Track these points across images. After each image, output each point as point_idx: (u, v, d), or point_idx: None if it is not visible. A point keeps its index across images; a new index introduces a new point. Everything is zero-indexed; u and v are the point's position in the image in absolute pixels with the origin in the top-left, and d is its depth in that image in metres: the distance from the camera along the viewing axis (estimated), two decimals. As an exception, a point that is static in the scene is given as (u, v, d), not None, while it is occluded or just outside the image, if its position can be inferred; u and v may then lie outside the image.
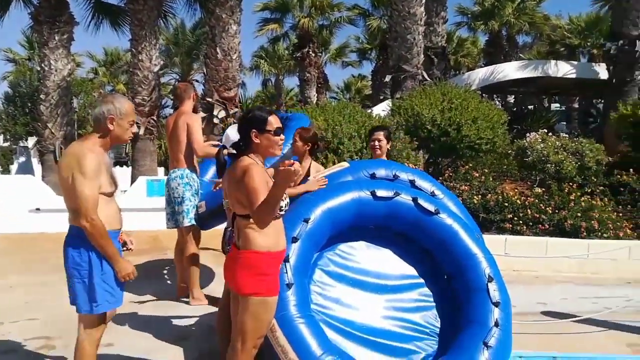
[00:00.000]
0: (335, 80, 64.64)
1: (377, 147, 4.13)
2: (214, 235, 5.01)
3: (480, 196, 7.76)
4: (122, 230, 2.83)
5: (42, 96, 12.69)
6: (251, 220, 2.41)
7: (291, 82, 35.99)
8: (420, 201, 3.30)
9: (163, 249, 7.20)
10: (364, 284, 3.33)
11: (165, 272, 6.15)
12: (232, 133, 3.38)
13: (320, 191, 3.33)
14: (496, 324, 3.06)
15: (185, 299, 4.85)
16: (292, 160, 2.23)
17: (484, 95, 11.93)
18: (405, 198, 3.30)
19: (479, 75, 16.57)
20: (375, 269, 3.40)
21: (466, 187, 7.92)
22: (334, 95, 35.36)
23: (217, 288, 4.92)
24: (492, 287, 3.18)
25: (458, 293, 3.32)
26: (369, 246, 3.49)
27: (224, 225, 3.78)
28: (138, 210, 9.33)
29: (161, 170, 16.36)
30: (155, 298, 4.98)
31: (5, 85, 30.79)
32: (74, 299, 2.68)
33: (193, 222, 4.62)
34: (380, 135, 4.15)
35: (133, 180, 11.73)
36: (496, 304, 3.12)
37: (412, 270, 3.47)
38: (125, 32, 14.44)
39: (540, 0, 22.56)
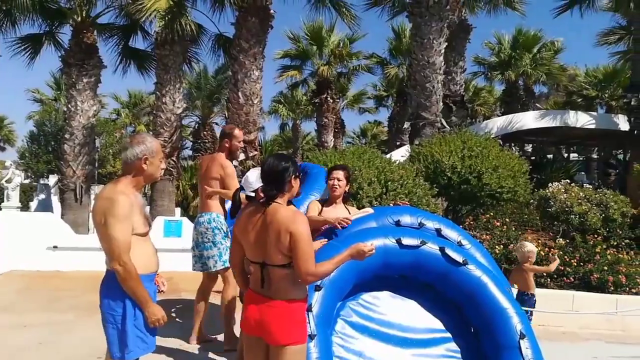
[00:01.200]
0: (352, 125, 65.47)
1: (336, 186, 3.84)
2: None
3: (502, 246, 7.58)
4: (157, 272, 2.80)
5: (66, 135, 13.01)
6: (290, 270, 2.42)
7: (308, 127, 36.52)
8: (448, 251, 3.22)
9: (178, 291, 7.11)
10: (388, 336, 3.22)
11: (182, 313, 6.04)
12: (252, 176, 3.37)
13: (345, 238, 3.26)
14: None
15: (205, 342, 4.75)
16: (373, 244, 2.59)
17: (504, 144, 11.89)
18: (432, 247, 3.22)
19: (497, 123, 16.59)
20: (400, 321, 3.29)
21: (487, 237, 7.76)
22: (350, 140, 35.75)
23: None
24: (525, 345, 3.02)
25: (487, 350, 3.18)
26: (394, 296, 3.38)
27: None
28: (154, 251, 9.33)
29: (178, 210, 16.43)
30: (179, 343, 4.87)
31: (31, 125, 31.71)
32: (108, 345, 2.65)
33: (227, 264, 4.52)
34: (340, 174, 3.86)
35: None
36: None
37: (438, 324, 3.35)
38: (151, 75, 14.92)
39: (557, 52, 22.85)
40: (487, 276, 3.23)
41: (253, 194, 3.31)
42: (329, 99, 21.93)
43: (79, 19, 12.87)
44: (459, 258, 3.21)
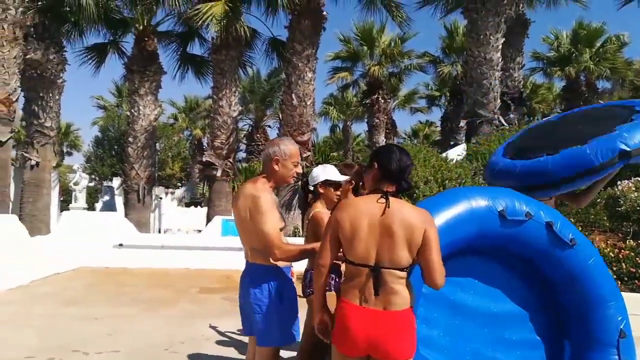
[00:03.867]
0: (403, 126, 64.53)
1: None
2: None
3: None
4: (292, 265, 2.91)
5: (130, 139, 13.64)
6: (405, 273, 2.16)
7: (358, 128, 36.50)
8: (556, 228, 2.79)
9: (236, 289, 7.27)
10: (470, 314, 2.91)
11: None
12: (317, 170, 3.41)
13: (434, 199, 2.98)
14: None
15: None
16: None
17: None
18: (538, 221, 2.80)
19: (558, 121, 15.92)
20: (482, 300, 2.95)
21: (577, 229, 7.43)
22: (401, 140, 35.29)
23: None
24: (623, 344, 2.74)
25: (575, 342, 2.90)
26: (480, 274, 3.00)
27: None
28: (212, 249, 9.60)
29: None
30: (235, 334, 4.99)
31: (95, 130, 33.47)
32: (253, 331, 2.75)
33: None
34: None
35: (208, 220, 12.12)
36: None
37: (522, 306, 3.01)
38: (207, 80, 15.40)
39: (621, 46, 21.66)
40: (595, 260, 2.87)
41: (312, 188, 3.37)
42: (380, 99, 21.76)
43: (141, 27, 13.50)
44: (567, 235, 2.80)
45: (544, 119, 5.14)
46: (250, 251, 2.72)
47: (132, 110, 13.67)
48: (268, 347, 2.71)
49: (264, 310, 2.66)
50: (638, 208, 7.97)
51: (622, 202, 8.22)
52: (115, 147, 27.37)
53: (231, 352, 4.52)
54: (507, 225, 2.76)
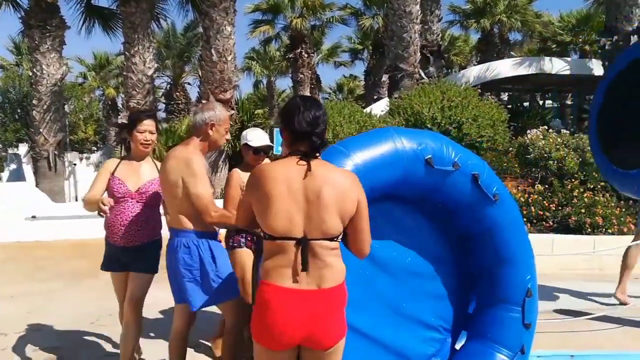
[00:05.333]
0: (328, 81, 64.41)
1: (147, 142, 3.08)
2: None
3: (483, 194, 7.70)
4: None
5: (34, 102, 12.51)
6: (337, 243, 1.90)
7: (283, 84, 36.00)
8: (481, 180, 2.64)
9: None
10: (383, 264, 2.79)
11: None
12: (252, 135, 3.42)
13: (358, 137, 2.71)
14: (522, 351, 2.77)
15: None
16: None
17: (483, 93, 11.92)
18: (464, 173, 2.65)
19: (473, 73, 16.58)
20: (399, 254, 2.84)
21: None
22: (326, 96, 35.33)
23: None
24: (529, 304, 2.78)
25: (484, 299, 2.93)
26: (395, 222, 2.87)
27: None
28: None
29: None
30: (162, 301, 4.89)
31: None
32: (184, 298, 2.74)
33: None
34: (152, 126, 3.08)
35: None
36: (527, 326, 2.80)
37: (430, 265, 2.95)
38: (117, 35, 14.31)
39: (531, -1, 22.68)
40: (513, 217, 2.80)
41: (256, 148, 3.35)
42: (303, 53, 21.47)
43: (36, -24, 12.13)
44: (492, 190, 2.67)
45: (599, 97, 4.61)
46: (178, 217, 2.68)
47: (35, 70, 12.45)
48: (225, 302, 2.77)
49: (195, 275, 2.67)
50: (545, 155, 8.59)
51: (531, 150, 8.82)
52: (19, 110, 25.04)
53: (161, 321, 4.44)
54: (433, 174, 2.59)
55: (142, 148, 3.07)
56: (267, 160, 3.45)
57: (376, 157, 2.47)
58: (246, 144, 3.40)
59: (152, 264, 3.08)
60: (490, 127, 8.79)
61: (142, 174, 3.07)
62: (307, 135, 1.91)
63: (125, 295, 3.07)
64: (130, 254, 3.03)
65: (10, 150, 23.67)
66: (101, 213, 2.76)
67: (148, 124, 3.06)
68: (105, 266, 3.21)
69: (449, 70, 24.06)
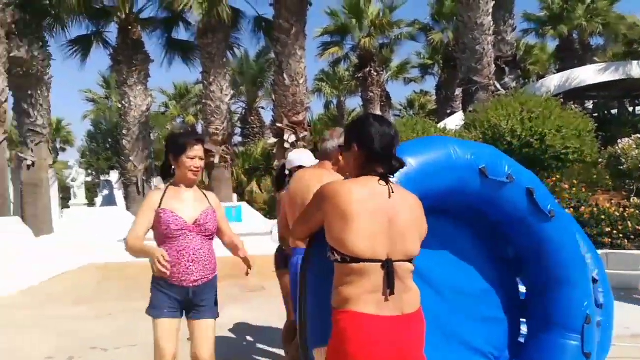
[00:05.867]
0: (398, 97, 64.09)
1: (197, 169, 2.76)
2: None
3: (572, 209, 7.24)
4: None
5: (124, 131, 13.50)
6: (413, 266, 1.85)
7: (353, 103, 36.21)
8: (537, 195, 2.52)
9: (242, 275, 7.29)
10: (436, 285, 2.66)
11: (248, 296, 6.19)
12: (294, 156, 3.57)
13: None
14: None
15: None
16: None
17: (566, 102, 11.30)
18: (519, 186, 2.54)
19: (554, 82, 15.77)
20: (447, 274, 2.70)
21: (556, 201, 7.42)
22: (397, 112, 35.07)
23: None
24: (588, 332, 2.58)
25: (538, 323, 2.73)
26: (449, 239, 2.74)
27: None
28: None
29: (235, 196, 16.80)
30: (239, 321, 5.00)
31: (87, 124, 33.15)
32: None
33: None
34: (202, 151, 2.79)
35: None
36: (587, 355, 2.57)
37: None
38: (196, 65, 15.17)
39: (613, 1, 21.33)
40: (570, 237, 2.65)
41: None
42: (372, 72, 21.51)
43: (123, 16, 13.20)
44: (547, 206, 2.55)
45: None
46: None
47: (123, 102, 13.49)
48: None
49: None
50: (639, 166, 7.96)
51: (623, 160, 8.20)
52: (109, 140, 27.14)
53: (245, 338, 4.54)
54: (487, 184, 2.47)
55: (191, 176, 2.72)
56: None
57: (430, 162, 2.39)
58: (301, 166, 3.41)
59: (216, 307, 2.80)
60: (576, 137, 8.29)
61: (195, 204, 2.72)
62: (387, 155, 1.82)
63: (176, 344, 2.67)
64: (197, 295, 2.68)
65: (102, 177, 25.56)
66: (161, 267, 2.45)
67: (198, 150, 2.74)
68: (158, 312, 2.66)
69: (527, 81, 23.05)
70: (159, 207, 2.65)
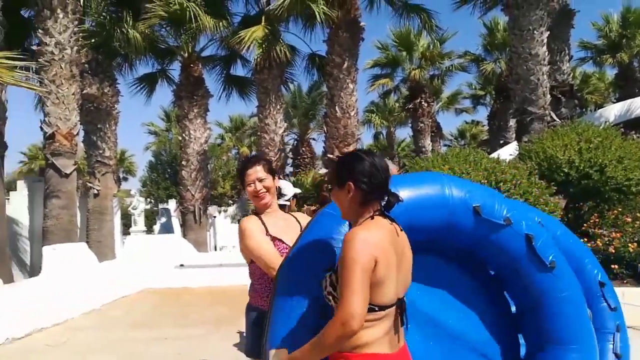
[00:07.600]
0: (448, 127, 63.38)
1: (259, 192, 2.51)
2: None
3: (636, 244, 6.91)
4: None
5: (183, 162, 14.17)
6: None
7: (402, 133, 36.14)
8: (535, 242, 2.34)
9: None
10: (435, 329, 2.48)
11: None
12: (284, 184, 3.29)
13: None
14: None
15: None
16: None
17: (627, 132, 10.84)
18: (517, 231, 2.36)
19: (613, 111, 15.19)
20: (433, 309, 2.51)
21: (617, 234, 7.11)
22: (447, 143, 34.77)
23: None
24: None
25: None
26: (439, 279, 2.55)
27: None
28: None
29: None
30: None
31: (148, 155, 34.85)
32: None
33: None
34: (260, 171, 2.52)
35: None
36: None
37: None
38: (251, 99, 15.81)
39: (677, 25, 20.50)
40: (571, 294, 2.40)
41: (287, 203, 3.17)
42: (423, 103, 21.56)
43: (186, 54, 14.04)
44: (548, 256, 2.35)
45: None
46: None
47: (184, 135, 14.20)
48: None
49: None
50: None
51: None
52: (169, 170, 28.41)
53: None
54: (481, 225, 2.30)
55: (257, 202, 2.52)
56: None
57: (421, 195, 2.26)
58: (296, 194, 3.39)
59: None
60: (639, 168, 7.95)
61: (289, 229, 2.49)
62: (385, 191, 1.79)
63: None
64: None
65: (160, 205, 26.66)
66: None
67: (252, 172, 2.50)
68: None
69: (584, 110, 22.34)
70: (267, 234, 2.43)
